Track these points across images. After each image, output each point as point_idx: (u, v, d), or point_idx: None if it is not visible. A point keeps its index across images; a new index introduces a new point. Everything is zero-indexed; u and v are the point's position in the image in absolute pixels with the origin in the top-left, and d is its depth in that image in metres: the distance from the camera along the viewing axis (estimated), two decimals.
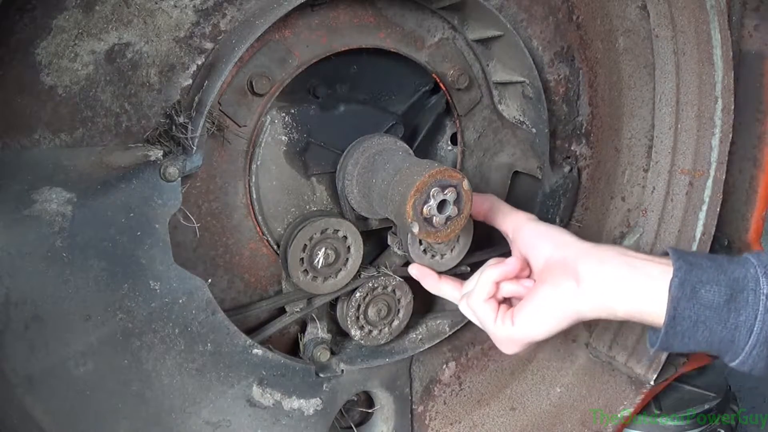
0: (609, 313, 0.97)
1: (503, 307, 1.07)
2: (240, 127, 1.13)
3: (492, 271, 1.07)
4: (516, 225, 1.13)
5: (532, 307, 1.01)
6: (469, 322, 1.44)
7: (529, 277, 1.09)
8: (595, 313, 0.98)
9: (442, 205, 1.10)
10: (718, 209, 1.47)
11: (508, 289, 1.08)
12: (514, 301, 1.09)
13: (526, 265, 1.10)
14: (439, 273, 1.24)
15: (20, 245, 0.92)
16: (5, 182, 0.90)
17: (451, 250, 1.29)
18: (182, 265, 1.05)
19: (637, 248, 1.51)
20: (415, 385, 1.45)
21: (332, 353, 1.31)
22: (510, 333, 1.03)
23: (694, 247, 1.48)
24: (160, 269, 1.03)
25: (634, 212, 1.53)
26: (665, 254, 0.97)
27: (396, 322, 1.35)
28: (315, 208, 1.27)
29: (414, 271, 1.24)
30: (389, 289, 1.33)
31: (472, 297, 1.08)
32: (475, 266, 1.38)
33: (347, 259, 1.24)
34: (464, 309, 1.15)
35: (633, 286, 0.94)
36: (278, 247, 1.23)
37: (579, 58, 1.40)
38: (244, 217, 1.19)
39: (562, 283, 0.99)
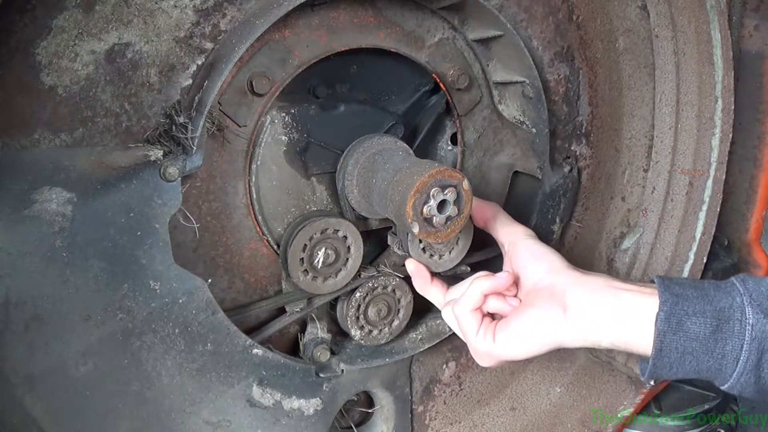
0: (593, 343, 0.99)
1: (486, 320, 1.07)
2: (240, 127, 1.13)
3: (482, 282, 1.06)
4: (513, 239, 1.13)
5: (516, 328, 1.02)
6: None
7: (515, 295, 1.09)
8: (579, 343, 1.00)
9: (442, 205, 1.10)
10: (718, 209, 1.47)
11: (493, 305, 1.08)
12: (497, 317, 1.09)
13: (515, 281, 1.10)
14: (433, 274, 1.23)
15: (20, 245, 0.92)
16: (5, 182, 0.90)
17: (450, 251, 1.29)
18: (182, 265, 1.05)
19: (636, 248, 1.51)
20: (415, 385, 1.45)
21: (332, 353, 1.31)
22: (489, 348, 1.04)
23: (694, 248, 1.49)
24: (160, 269, 1.03)
25: (634, 212, 1.53)
26: (652, 282, 0.98)
27: (396, 322, 1.35)
28: (315, 208, 1.27)
29: (411, 266, 1.24)
30: (389, 289, 1.33)
31: (459, 305, 1.07)
32: (475, 266, 1.38)
33: (347, 259, 1.24)
34: (447, 315, 1.14)
35: (619, 319, 0.95)
36: (278, 247, 1.23)
37: (579, 58, 1.40)
38: (244, 217, 1.19)
39: (549, 310, 0.99)
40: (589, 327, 0.97)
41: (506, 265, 1.12)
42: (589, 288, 0.98)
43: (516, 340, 1.02)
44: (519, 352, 1.02)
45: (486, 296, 1.07)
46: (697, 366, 0.92)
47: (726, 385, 0.92)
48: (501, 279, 1.06)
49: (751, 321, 0.88)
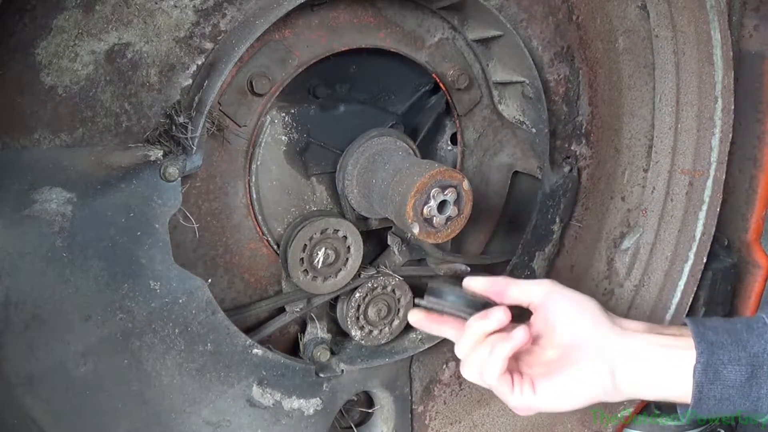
0: (634, 397, 1.02)
1: (515, 375, 1.03)
2: (240, 127, 1.13)
3: (503, 346, 1.00)
4: (543, 290, 1.06)
5: (561, 383, 1.00)
6: None
7: (537, 342, 1.06)
8: (621, 398, 1.02)
9: (442, 206, 1.10)
10: (718, 209, 1.47)
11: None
12: (521, 357, 1.05)
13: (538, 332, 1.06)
14: (441, 313, 1.12)
15: (20, 245, 0.92)
16: (5, 182, 0.90)
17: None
18: (182, 265, 1.05)
19: (636, 248, 1.51)
20: (415, 385, 1.45)
21: (332, 353, 1.31)
22: (530, 403, 1.01)
23: (694, 248, 1.49)
24: (160, 269, 1.03)
25: (634, 212, 1.52)
26: (685, 324, 1.00)
27: (396, 322, 1.35)
28: (315, 208, 1.27)
29: (414, 318, 1.13)
30: (389, 288, 1.33)
31: (487, 375, 1.01)
32: (474, 268, 1.38)
33: (347, 259, 1.24)
34: (469, 375, 1.05)
35: (662, 376, 0.98)
36: (278, 247, 1.23)
37: (579, 58, 1.40)
38: (244, 217, 1.19)
39: (597, 368, 0.99)
40: (635, 385, 0.99)
41: (537, 319, 1.06)
42: (635, 347, 0.99)
43: (561, 394, 1.01)
44: (562, 406, 1.02)
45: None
46: (734, 409, 0.96)
47: (764, 420, 0.98)
48: (520, 338, 1.00)
49: None
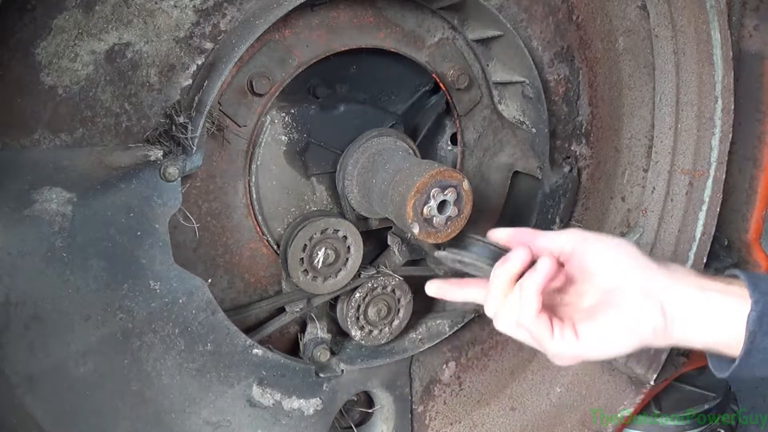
0: (682, 343, 0.96)
1: (555, 319, 0.96)
2: (240, 127, 1.14)
3: (531, 280, 0.94)
4: (574, 238, 1.00)
5: (607, 325, 0.95)
6: (469, 322, 1.45)
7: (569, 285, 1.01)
8: (669, 343, 0.97)
9: (442, 206, 1.10)
10: (718, 209, 1.47)
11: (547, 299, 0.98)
12: (557, 309, 1.00)
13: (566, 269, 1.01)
14: (460, 276, 1.08)
15: (20, 245, 0.92)
16: (5, 182, 0.90)
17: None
18: (182, 265, 1.05)
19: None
20: (415, 385, 1.45)
21: (332, 353, 1.31)
22: (574, 349, 0.95)
23: (694, 248, 1.49)
24: (160, 269, 1.03)
25: (634, 212, 1.52)
26: (732, 276, 0.96)
27: (396, 322, 1.35)
28: (315, 208, 1.27)
29: (433, 289, 1.09)
30: (389, 288, 1.33)
31: (522, 318, 0.95)
32: None
33: (347, 259, 1.24)
34: (506, 327, 0.99)
35: (712, 321, 0.94)
36: (278, 247, 1.23)
37: (579, 58, 1.40)
38: (244, 217, 1.19)
39: (646, 310, 0.94)
40: (686, 329, 0.95)
41: (571, 267, 1.00)
42: (688, 289, 0.95)
43: (608, 337, 0.95)
44: (609, 352, 0.96)
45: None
46: None
47: None
48: (546, 267, 0.93)
49: None
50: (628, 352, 0.96)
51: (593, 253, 0.98)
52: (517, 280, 0.95)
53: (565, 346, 0.95)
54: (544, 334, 0.94)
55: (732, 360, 0.93)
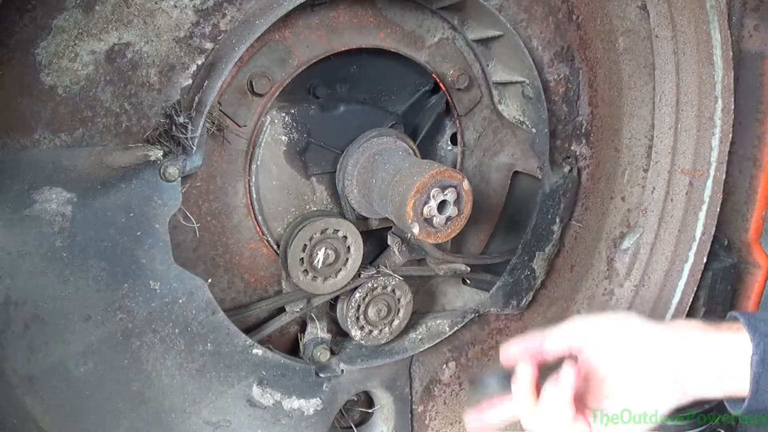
0: (700, 398, 1.01)
1: (587, 413, 1.02)
2: (240, 127, 1.13)
3: (562, 395, 0.97)
4: (580, 331, 1.02)
5: (635, 409, 1.01)
6: (469, 322, 1.45)
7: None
8: (690, 401, 1.02)
9: (442, 206, 1.10)
10: (718, 209, 1.47)
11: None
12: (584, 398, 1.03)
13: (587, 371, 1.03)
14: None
15: (20, 245, 0.92)
16: (5, 182, 0.90)
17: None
18: (182, 265, 1.05)
19: (636, 248, 1.51)
20: (415, 385, 1.45)
21: (332, 353, 1.31)
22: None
23: (694, 248, 1.49)
24: (160, 269, 1.03)
25: (634, 212, 1.52)
26: (733, 318, 0.99)
27: (396, 322, 1.35)
28: (315, 208, 1.27)
29: (473, 424, 1.07)
30: (389, 288, 1.32)
31: (560, 427, 1.00)
32: (474, 268, 1.38)
33: (347, 259, 1.24)
34: None
35: (722, 374, 0.98)
36: (278, 247, 1.23)
37: (579, 58, 1.40)
38: (244, 217, 1.19)
39: (662, 388, 1.00)
40: (698, 385, 1.00)
41: (583, 360, 1.02)
42: (692, 351, 0.99)
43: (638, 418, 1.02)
44: (644, 427, 1.04)
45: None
46: None
47: None
48: (572, 377, 0.97)
49: None
50: (658, 423, 1.03)
51: (596, 347, 1.02)
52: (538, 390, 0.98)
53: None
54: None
55: (743, 398, 0.97)
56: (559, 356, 1.01)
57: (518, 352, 1.03)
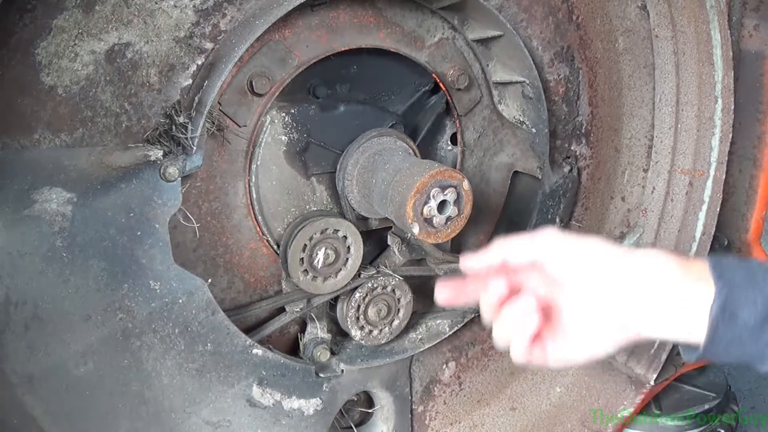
0: (654, 338, 1.00)
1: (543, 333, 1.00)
2: (240, 127, 1.14)
3: (522, 318, 0.97)
4: (547, 245, 1.00)
5: (580, 334, 0.98)
6: (469, 322, 1.45)
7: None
8: (642, 339, 0.99)
9: (442, 206, 1.10)
10: (718, 209, 1.47)
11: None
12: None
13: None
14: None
15: (20, 245, 0.92)
16: (5, 182, 0.90)
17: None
18: (182, 265, 1.05)
19: (637, 248, 1.51)
20: (415, 385, 1.45)
21: (332, 353, 1.31)
22: (563, 357, 0.99)
23: (694, 248, 1.49)
24: (160, 269, 1.03)
25: (634, 212, 1.52)
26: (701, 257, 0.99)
27: (396, 322, 1.35)
28: (315, 208, 1.27)
29: (442, 295, 1.06)
30: (389, 288, 1.32)
31: (515, 346, 0.99)
32: None
33: (347, 259, 1.24)
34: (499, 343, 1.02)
35: (678, 315, 0.96)
36: (278, 247, 1.23)
37: (579, 58, 1.40)
38: (244, 217, 1.19)
39: (616, 318, 0.97)
40: (651, 324, 0.97)
41: (545, 272, 1.01)
42: (651, 287, 0.96)
43: (584, 345, 0.99)
44: (592, 354, 0.99)
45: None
46: (742, 353, 0.94)
47: (765, 369, 0.96)
48: (529, 306, 0.96)
49: None
50: (609, 353, 0.99)
51: (563, 262, 1.00)
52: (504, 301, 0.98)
53: (555, 356, 0.98)
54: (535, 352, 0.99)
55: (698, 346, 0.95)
56: (522, 267, 1.00)
57: (481, 266, 1.02)
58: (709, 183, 1.45)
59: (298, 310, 1.25)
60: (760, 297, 0.92)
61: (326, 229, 1.21)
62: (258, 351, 1.17)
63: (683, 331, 0.96)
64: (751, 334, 0.92)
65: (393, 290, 1.33)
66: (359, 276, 1.28)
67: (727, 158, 1.44)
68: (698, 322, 0.93)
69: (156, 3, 0.97)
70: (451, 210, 1.11)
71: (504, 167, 1.45)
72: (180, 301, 1.06)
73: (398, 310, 1.35)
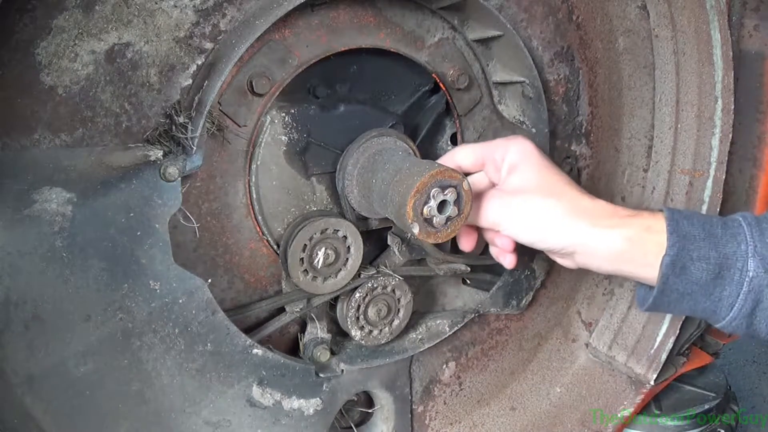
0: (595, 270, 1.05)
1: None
2: (240, 127, 1.14)
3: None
4: (516, 147, 1.11)
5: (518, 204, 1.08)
6: (469, 322, 1.45)
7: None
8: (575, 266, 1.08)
9: (442, 206, 1.10)
10: (718, 209, 1.47)
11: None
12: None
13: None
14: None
15: (20, 245, 0.92)
16: (5, 182, 0.90)
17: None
18: (182, 265, 1.05)
19: None
20: (415, 385, 1.45)
21: (332, 353, 1.31)
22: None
23: None
24: (160, 269, 1.03)
25: None
26: (660, 210, 1.01)
27: (396, 322, 1.35)
28: (315, 208, 1.27)
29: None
30: (389, 288, 1.32)
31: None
32: (474, 268, 1.38)
33: (347, 259, 1.24)
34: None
35: (629, 262, 0.99)
36: (278, 247, 1.23)
37: (579, 58, 1.40)
38: (244, 217, 1.19)
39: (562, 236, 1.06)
40: (598, 267, 1.03)
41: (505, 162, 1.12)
42: (602, 241, 1.02)
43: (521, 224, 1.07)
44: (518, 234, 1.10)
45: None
46: (694, 306, 0.96)
47: (718, 325, 0.97)
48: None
49: (751, 273, 0.91)
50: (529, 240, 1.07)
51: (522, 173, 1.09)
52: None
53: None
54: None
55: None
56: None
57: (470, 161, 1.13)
58: (709, 183, 1.45)
59: (298, 310, 1.25)
60: (714, 255, 0.93)
61: (326, 229, 1.21)
62: (258, 351, 1.17)
63: (635, 273, 0.99)
64: (703, 289, 0.93)
65: (393, 290, 1.33)
66: (359, 276, 1.28)
67: (727, 158, 1.45)
68: (650, 271, 0.96)
69: (156, 3, 0.97)
70: (451, 210, 1.11)
71: None
72: (180, 301, 1.06)
73: (398, 310, 1.35)
